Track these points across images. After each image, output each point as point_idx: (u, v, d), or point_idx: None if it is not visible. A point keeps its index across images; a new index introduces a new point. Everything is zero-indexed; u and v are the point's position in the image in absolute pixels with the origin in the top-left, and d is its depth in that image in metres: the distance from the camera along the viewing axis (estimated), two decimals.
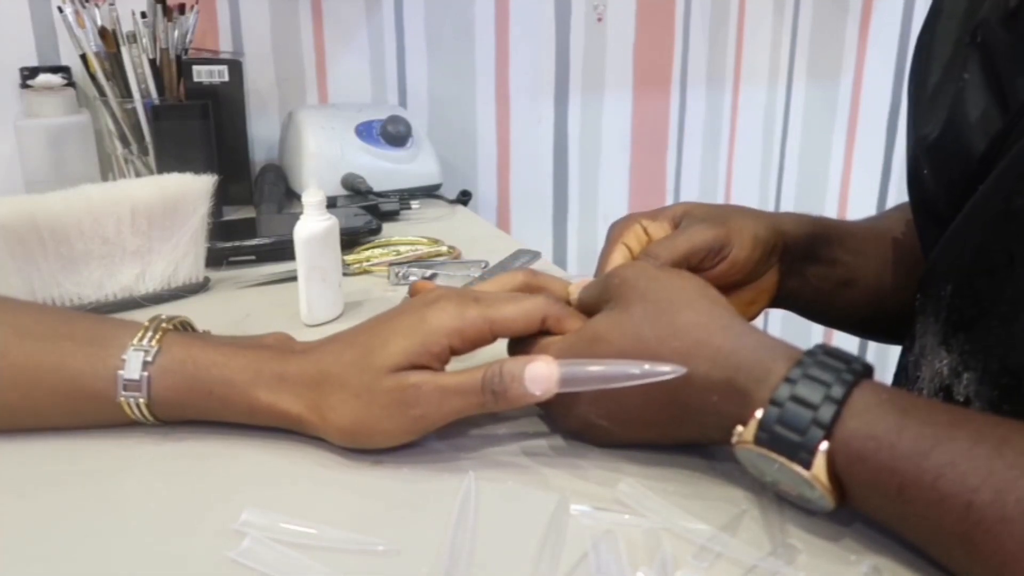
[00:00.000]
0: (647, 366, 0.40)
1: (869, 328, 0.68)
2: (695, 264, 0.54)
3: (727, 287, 0.55)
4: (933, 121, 0.50)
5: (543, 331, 0.46)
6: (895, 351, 0.59)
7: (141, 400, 0.45)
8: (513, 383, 0.42)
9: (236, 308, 0.68)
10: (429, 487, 0.43)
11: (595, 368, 0.41)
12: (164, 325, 0.47)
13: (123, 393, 0.45)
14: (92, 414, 0.46)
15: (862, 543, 0.38)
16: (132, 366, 0.45)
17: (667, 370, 0.40)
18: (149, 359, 0.45)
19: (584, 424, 0.45)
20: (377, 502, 0.42)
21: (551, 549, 0.38)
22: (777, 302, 0.61)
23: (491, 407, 0.43)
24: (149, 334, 0.46)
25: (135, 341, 0.46)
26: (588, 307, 0.47)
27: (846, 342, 1.57)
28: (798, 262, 0.59)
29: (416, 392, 0.43)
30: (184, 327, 0.49)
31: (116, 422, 0.46)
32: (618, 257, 0.55)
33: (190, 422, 0.47)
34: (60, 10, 0.92)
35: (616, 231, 0.57)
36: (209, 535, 0.39)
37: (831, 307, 0.63)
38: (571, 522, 0.40)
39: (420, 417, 0.43)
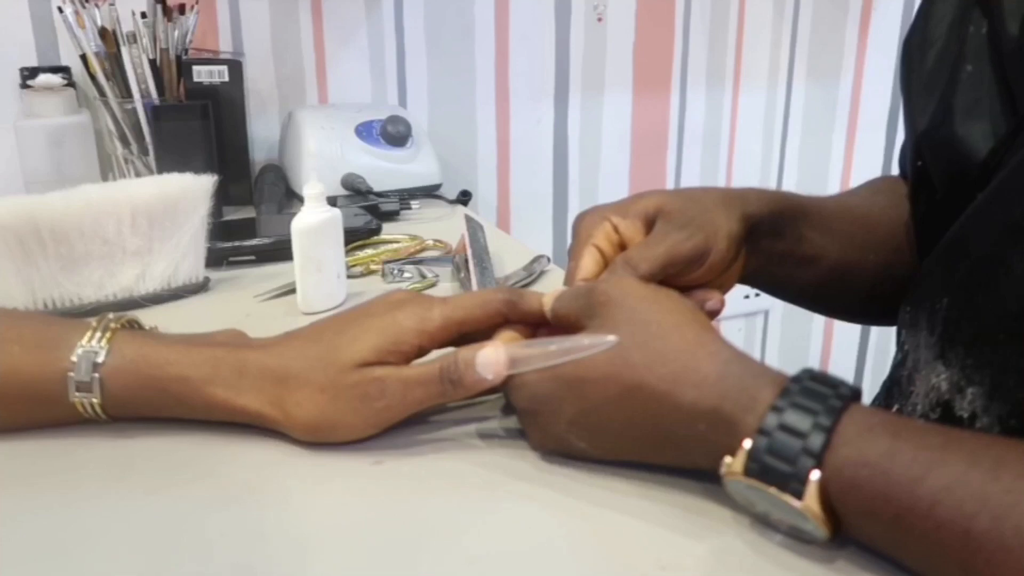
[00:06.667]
0: (587, 340, 0.42)
1: (829, 307, 0.67)
2: (674, 273, 0.52)
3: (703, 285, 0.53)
4: (929, 109, 0.50)
5: (505, 319, 0.48)
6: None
7: (95, 400, 0.45)
8: (467, 369, 0.44)
9: (236, 308, 0.69)
10: (429, 487, 0.43)
11: (541, 348, 0.43)
12: (112, 324, 0.47)
13: (76, 394, 0.45)
14: (46, 415, 0.47)
15: (861, 544, 0.38)
16: (82, 367, 0.45)
17: (610, 339, 0.42)
18: (99, 360, 0.45)
19: (563, 444, 0.44)
20: (377, 502, 0.42)
21: (547, 547, 0.38)
22: (741, 279, 0.59)
23: (450, 395, 0.45)
24: (97, 334, 0.46)
25: (83, 342, 0.45)
26: (567, 319, 0.46)
27: (848, 340, 1.57)
28: (763, 239, 0.57)
29: (380, 385, 0.44)
30: (132, 325, 0.49)
31: (71, 421, 0.46)
32: (589, 261, 0.53)
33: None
34: (60, 10, 0.92)
35: (584, 228, 0.54)
36: (209, 538, 0.39)
37: (791, 284, 0.61)
38: (569, 520, 0.40)
39: (384, 409, 0.45)
